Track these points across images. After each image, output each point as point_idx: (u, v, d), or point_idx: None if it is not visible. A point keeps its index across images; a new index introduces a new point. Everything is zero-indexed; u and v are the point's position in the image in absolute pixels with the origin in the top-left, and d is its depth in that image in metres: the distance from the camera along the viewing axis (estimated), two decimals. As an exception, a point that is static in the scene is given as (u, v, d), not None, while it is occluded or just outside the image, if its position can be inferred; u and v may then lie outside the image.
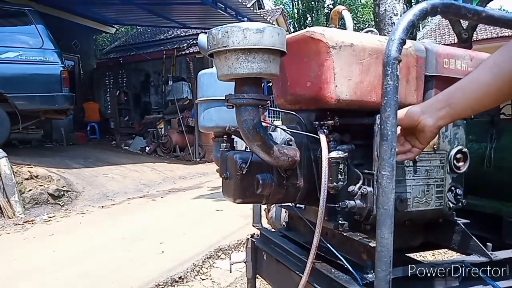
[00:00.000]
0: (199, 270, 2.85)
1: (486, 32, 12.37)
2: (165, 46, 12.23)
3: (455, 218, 1.20)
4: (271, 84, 1.42)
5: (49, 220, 4.43)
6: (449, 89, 0.86)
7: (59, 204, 5.02)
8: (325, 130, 1.08)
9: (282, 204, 1.65)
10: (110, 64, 12.99)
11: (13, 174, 4.80)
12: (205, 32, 1.23)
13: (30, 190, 4.87)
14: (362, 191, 1.05)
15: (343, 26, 1.35)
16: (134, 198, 5.71)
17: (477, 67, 0.83)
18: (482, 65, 0.82)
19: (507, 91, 0.80)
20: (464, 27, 6.65)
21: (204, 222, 4.11)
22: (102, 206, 5.15)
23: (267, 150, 1.03)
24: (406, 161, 1.07)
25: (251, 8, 9.81)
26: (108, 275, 2.71)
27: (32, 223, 4.29)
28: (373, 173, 1.04)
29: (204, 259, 2.98)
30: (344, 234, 1.13)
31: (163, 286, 2.55)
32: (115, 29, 13.60)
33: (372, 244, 1.02)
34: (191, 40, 11.67)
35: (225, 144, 1.35)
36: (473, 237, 1.15)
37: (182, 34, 12.51)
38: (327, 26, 1.22)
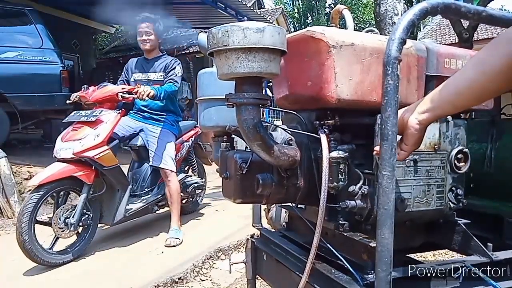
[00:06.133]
0: (198, 271, 2.84)
1: (487, 32, 12.37)
2: (165, 46, 12.18)
3: (456, 218, 1.20)
4: (271, 83, 1.42)
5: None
6: (436, 88, 0.87)
7: (59, 204, 5.01)
8: (326, 130, 1.08)
9: (282, 204, 1.65)
10: (110, 64, 12.96)
11: (13, 174, 4.79)
12: (205, 31, 1.22)
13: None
14: (363, 191, 1.05)
15: (343, 26, 1.35)
16: (133, 198, 5.69)
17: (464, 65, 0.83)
18: (468, 62, 0.82)
19: (491, 88, 0.79)
20: (465, 27, 6.65)
21: (203, 222, 4.11)
22: (102, 206, 5.14)
23: (268, 150, 1.03)
24: (407, 161, 1.08)
25: (251, 8, 9.78)
26: (107, 275, 2.70)
27: (32, 223, 4.28)
28: (373, 173, 1.04)
29: (204, 260, 2.97)
30: (345, 234, 1.13)
31: (162, 287, 2.55)
32: (114, 29, 13.58)
33: (373, 244, 1.02)
34: (190, 40, 11.64)
35: (225, 143, 1.35)
36: (474, 237, 1.15)
37: (181, 34, 12.49)
38: (328, 26, 1.21)
